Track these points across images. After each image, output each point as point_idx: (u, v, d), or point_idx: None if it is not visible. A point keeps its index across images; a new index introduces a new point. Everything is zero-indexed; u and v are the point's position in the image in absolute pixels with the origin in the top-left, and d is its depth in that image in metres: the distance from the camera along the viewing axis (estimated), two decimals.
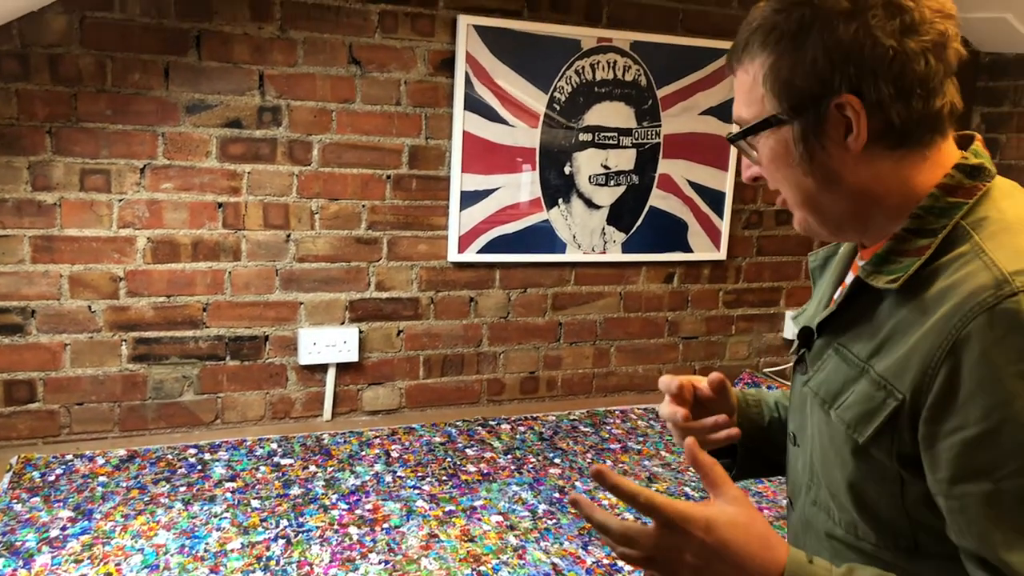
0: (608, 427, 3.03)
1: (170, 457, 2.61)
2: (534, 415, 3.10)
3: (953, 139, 1.05)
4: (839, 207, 1.05)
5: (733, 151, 3.32)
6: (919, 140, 1.02)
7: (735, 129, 1.10)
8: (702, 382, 1.25)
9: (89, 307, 2.67)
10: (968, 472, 0.91)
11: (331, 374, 2.95)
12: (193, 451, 2.66)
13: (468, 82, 2.92)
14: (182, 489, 2.41)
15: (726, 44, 3.18)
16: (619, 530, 0.92)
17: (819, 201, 1.04)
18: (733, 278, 3.47)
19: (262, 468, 2.57)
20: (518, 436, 2.89)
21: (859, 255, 1.13)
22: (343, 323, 2.95)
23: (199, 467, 2.56)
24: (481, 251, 3.07)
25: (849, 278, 1.14)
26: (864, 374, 1.02)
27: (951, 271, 0.96)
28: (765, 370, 3.61)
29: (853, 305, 1.07)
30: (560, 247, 3.18)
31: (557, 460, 2.71)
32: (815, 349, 1.13)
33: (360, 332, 2.97)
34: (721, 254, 3.41)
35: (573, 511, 2.35)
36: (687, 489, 2.55)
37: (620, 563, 2.07)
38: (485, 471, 2.60)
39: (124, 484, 2.43)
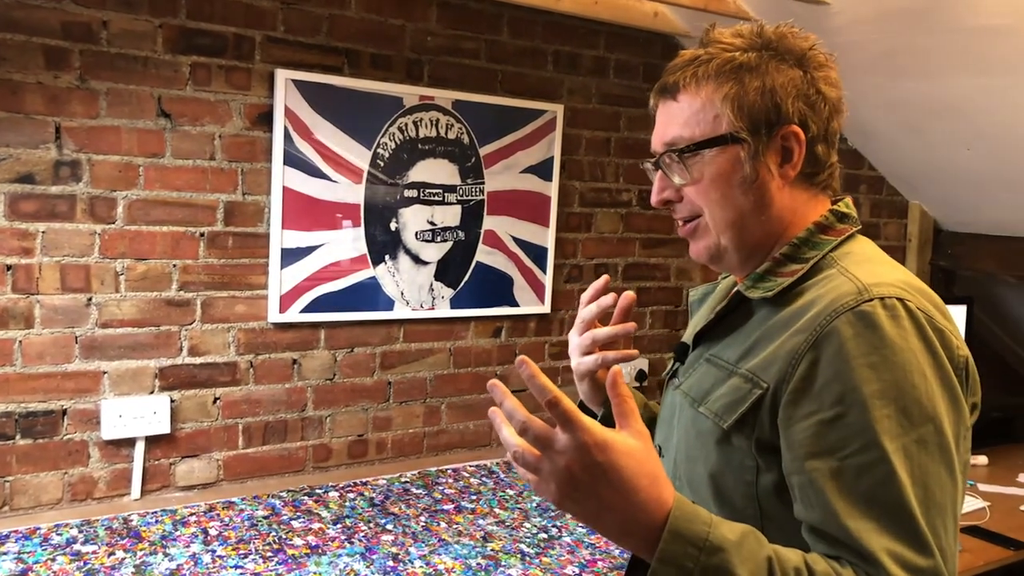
0: (441, 487, 2.97)
1: None
2: (364, 480, 2.99)
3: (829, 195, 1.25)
4: (760, 232, 1.19)
5: (554, 207, 3.41)
6: (821, 182, 1.20)
7: (661, 153, 1.22)
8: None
9: None
10: (819, 450, 1.02)
11: (139, 448, 2.71)
12: None
13: (287, 137, 2.84)
14: None
15: (543, 105, 3.32)
16: (540, 430, 0.94)
17: (746, 223, 1.18)
18: (558, 330, 3.54)
19: (59, 558, 2.30)
20: (347, 503, 2.77)
21: (739, 282, 1.28)
22: (152, 392, 2.74)
23: None
24: (304, 310, 2.95)
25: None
26: (733, 374, 1.14)
27: (818, 286, 1.12)
28: None
29: (728, 317, 1.21)
30: (387, 304, 3.12)
31: (390, 526, 2.62)
32: (688, 361, 1.26)
33: (172, 401, 2.76)
34: (546, 307, 3.47)
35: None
36: (522, 546, 2.53)
37: None
38: (313, 543, 2.47)
39: None
